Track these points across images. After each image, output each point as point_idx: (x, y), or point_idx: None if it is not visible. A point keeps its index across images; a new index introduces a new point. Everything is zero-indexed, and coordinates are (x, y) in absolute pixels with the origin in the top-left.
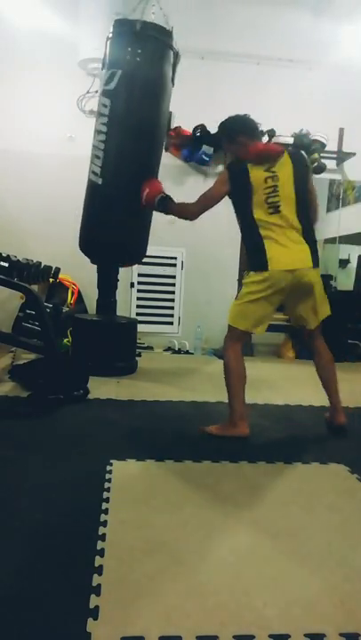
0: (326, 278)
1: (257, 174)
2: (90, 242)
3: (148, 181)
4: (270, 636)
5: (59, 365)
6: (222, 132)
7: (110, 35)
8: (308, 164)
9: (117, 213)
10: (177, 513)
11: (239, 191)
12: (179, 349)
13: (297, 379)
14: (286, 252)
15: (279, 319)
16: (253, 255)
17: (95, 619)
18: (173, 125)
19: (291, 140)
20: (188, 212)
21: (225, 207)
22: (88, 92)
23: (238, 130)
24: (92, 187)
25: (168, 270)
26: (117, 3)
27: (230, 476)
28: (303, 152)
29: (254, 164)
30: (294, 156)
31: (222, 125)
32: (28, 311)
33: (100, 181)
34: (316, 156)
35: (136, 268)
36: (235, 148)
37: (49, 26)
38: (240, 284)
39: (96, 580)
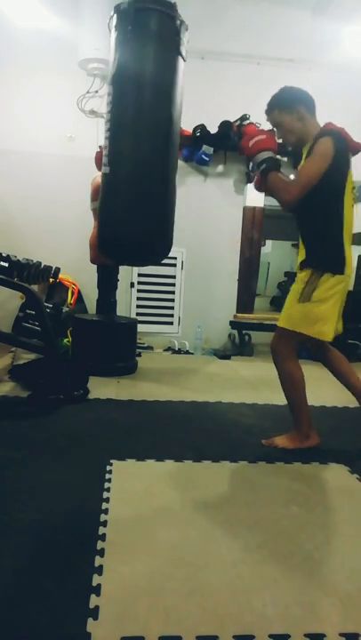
0: None
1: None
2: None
3: (259, 131)
4: (270, 636)
5: (59, 365)
6: (277, 103)
7: (111, 22)
8: None
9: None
10: (177, 513)
11: (337, 173)
12: (179, 349)
13: None
14: (350, 254)
15: None
16: (332, 254)
17: (95, 619)
18: None
19: None
20: (288, 194)
21: (225, 207)
22: (88, 92)
23: (299, 99)
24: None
25: (168, 270)
26: (117, 3)
27: (230, 476)
28: None
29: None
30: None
31: (276, 96)
32: (28, 311)
33: (108, 170)
34: None
35: (136, 268)
36: (293, 121)
37: (49, 26)
38: (298, 283)
39: (96, 579)
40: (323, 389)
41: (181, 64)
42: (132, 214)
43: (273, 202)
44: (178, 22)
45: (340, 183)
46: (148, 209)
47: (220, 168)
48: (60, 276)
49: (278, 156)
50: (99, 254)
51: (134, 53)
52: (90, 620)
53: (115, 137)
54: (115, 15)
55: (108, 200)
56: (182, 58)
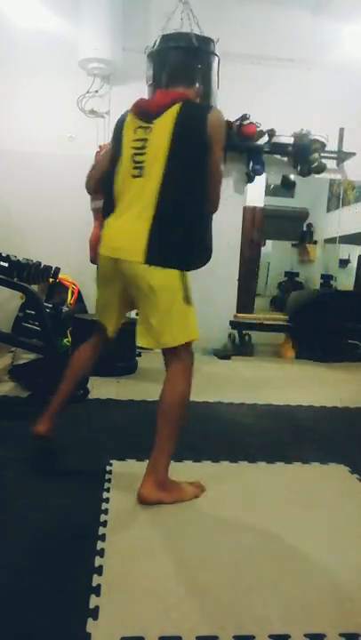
0: (326, 278)
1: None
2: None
3: None
4: (270, 636)
5: (59, 365)
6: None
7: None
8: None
9: None
10: (177, 513)
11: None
12: None
13: (297, 379)
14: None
15: (279, 319)
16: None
17: (95, 619)
18: None
19: (291, 140)
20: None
21: (225, 206)
22: (88, 92)
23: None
24: None
25: None
26: (118, 3)
27: (230, 475)
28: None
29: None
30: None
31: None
32: (27, 311)
33: None
34: (316, 155)
35: None
36: None
37: (49, 26)
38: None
39: (96, 580)
40: (323, 390)
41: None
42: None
43: (273, 202)
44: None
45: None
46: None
47: (221, 168)
48: (60, 275)
49: (278, 156)
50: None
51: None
52: (90, 620)
53: None
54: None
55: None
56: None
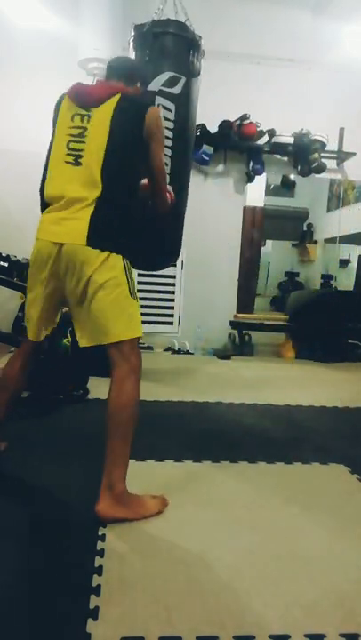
0: (326, 278)
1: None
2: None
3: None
4: (270, 636)
5: (59, 365)
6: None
7: (132, 38)
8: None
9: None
10: (177, 513)
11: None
12: (179, 349)
13: (297, 379)
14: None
15: (279, 319)
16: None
17: (95, 619)
18: None
19: (291, 140)
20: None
21: (225, 206)
22: None
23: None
24: None
25: (168, 270)
26: (117, 2)
27: (230, 475)
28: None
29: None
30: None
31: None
32: None
33: None
34: (316, 155)
35: None
36: None
37: (49, 26)
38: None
39: (96, 580)
40: (323, 390)
41: (194, 80)
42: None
43: (273, 202)
44: (189, 41)
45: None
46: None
47: (220, 167)
48: None
49: (278, 156)
50: None
51: (153, 75)
52: (90, 621)
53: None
54: (135, 36)
55: None
56: (194, 74)
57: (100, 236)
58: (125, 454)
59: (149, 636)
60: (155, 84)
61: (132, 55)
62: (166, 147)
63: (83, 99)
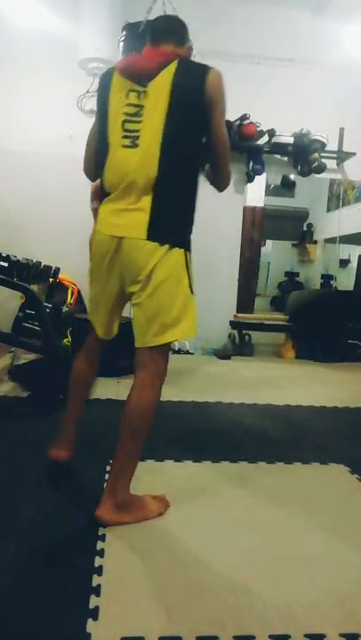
0: (326, 278)
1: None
2: None
3: None
4: (270, 636)
5: (59, 365)
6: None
7: (122, 37)
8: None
9: None
10: (177, 513)
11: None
12: (179, 349)
13: (297, 379)
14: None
15: (279, 319)
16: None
17: (95, 619)
18: None
19: (291, 140)
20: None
21: (225, 206)
22: (88, 92)
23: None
24: None
25: None
26: (117, 2)
27: (230, 476)
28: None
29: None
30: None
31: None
32: (27, 311)
33: None
34: (316, 155)
35: None
36: None
37: (49, 26)
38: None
39: (96, 580)
40: (323, 390)
41: None
42: None
43: (273, 202)
44: None
45: (99, 134)
46: None
47: None
48: (60, 275)
49: (278, 156)
50: None
51: None
52: (90, 621)
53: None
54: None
55: None
56: None
57: (160, 228)
58: (134, 462)
59: (149, 636)
60: None
61: (124, 54)
62: None
63: (136, 72)
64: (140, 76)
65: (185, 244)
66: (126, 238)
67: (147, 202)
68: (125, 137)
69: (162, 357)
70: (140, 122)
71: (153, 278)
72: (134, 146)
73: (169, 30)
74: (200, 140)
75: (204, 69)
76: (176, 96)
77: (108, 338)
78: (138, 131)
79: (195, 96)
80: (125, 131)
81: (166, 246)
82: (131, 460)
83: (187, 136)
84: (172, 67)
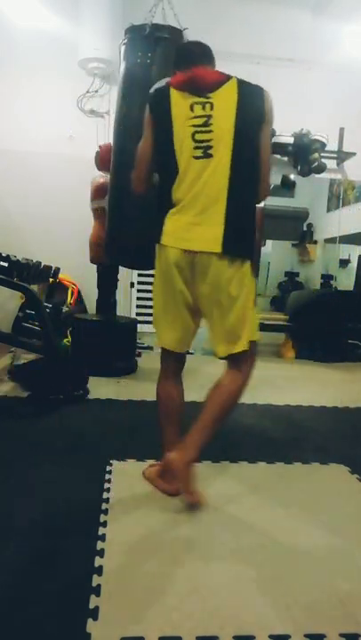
0: (326, 278)
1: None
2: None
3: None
4: (270, 636)
5: (59, 365)
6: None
7: (124, 41)
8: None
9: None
10: (177, 513)
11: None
12: None
13: (297, 379)
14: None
15: (279, 319)
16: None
17: (95, 619)
18: None
19: (291, 140)
20: (133, 182)
21: None
22: (88, 92)
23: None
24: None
25: None
26: (117, 3)
27: (230, 476)
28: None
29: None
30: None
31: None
32: (27, 311)
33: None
34: (316, 155)
35: None
36: None
37: (49, 26)
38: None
39: (96, 580)
40: (323, 390)
41: None
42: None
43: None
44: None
45: (162, 146)
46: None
47: None
48: (60, 275)
49: (278, 156)
50: (99, 254)
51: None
52: (90, 621)
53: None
54: (128, 38)
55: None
56: None
57: (234, 241)
58: (214, 432)
59: (149, 636)
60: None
61: (127, 57)
62: None
63: (197, 85)
64: (201, 88)
65: (252, 254)
66: (201, 253)
67: (219, 214)
68: (197, 148)
69: (248, 358)
70: (210, 131)
71: (228, 293)
72: (207, 156)
73: (204, 54)
74: (259, 150)
75: (261, 89)
76: (242, 109)
77: (183, 351)
78: (209, 140)
79: (257, 111)
80: (196, 142)
81: (240, 260)
82: (214, 430)
83: (249, 147)
84: (234, 82)
